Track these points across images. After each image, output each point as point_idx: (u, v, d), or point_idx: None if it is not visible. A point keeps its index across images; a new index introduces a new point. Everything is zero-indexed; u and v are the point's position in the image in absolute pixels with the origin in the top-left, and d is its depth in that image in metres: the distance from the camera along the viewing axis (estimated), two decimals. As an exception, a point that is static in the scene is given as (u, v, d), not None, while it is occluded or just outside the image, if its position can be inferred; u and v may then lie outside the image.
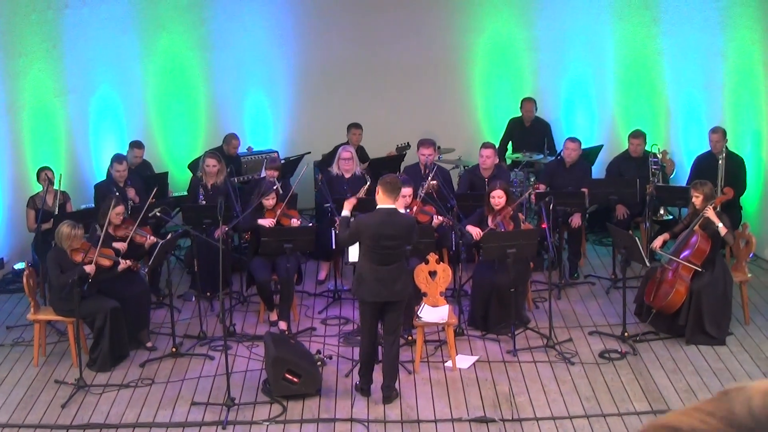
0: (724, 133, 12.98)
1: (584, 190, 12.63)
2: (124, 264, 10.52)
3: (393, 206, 9.20)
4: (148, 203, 11.42)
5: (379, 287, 9.16)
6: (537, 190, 12.41)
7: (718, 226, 10.52)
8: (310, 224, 12.37)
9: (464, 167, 14.07)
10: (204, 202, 12.36)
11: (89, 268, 10.13)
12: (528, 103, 15.05)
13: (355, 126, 14.43)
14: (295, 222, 11.60)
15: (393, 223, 9.12)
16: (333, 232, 11.77)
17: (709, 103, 14.21)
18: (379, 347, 9.74)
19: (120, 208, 10.96)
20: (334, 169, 12.79)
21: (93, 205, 12.58)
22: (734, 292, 10.95)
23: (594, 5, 15.02)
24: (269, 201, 11.51)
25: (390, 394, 9.40)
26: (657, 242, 11.01)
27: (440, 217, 11.47)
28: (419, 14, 15.64)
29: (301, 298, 12.15)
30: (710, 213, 10.57)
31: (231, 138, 14.29)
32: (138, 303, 10.82)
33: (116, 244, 10.85)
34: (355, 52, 15.80)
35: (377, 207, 9.23)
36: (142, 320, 10.91)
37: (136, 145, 13.78)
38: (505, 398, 9.50)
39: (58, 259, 10.26)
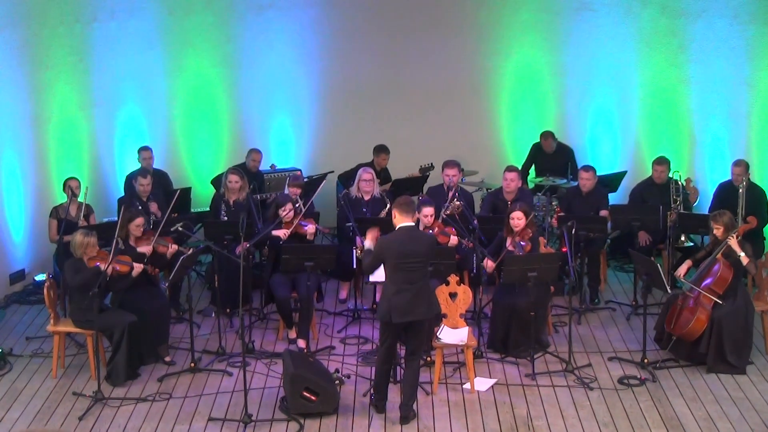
0: (747, 166, 12.91)
1: (604, 213, 12.62)
2: (138, 267, 10.55)
3: (412, 224, 9.25)
4: (168, 212, 11.52)
5: (406, 308, 9.17)
6: (559, 214, 12.42)
7: (740, 256, 10.47)
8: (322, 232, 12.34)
9: (487, 190, 14.05)
10: (226, 218, 12.39)
11: (108, 269, 10.13)
12: (547, 135, 14.99)
13: (383, 150, 14.42)
14: (310, 228, 11.58)
15: (415, 239, 9.20)
16: (354, 251, 11.78)
17: (734, 132, 14.19)
18: (399, 368, 9.74)
19: (140, 220, 11.03)
20: (354, 191, 12.79)
21: (116, 219, 12.62)
22: (756, 321, 10.89)
23: (621, 31, 15.01)
24: (287, 213, 11.51)
25: (408, 414, 9.37)
26: (681, 270, 10.96)
27: (456, 238, 11.46)
28: (446, 37, 15.63)
29: (320, 316, 12.14)
30: (733, 242, 10.52)
31: (253, 152, 14.33)
32: (158, 317, 10.84)
33: (141, 249, 10.92)
34: (381, 72, 15.81)
35: (397, 227, 9.26)
36: (162, 335, 10.92)
37: (143, 149, 13.89)
38: (522, 422, 9.46)
39: (76, 268, 10.30)
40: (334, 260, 11.25)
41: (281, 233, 11.45)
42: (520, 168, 14.09)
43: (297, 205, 11.69)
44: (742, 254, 10.48)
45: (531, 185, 14.77)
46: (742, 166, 12.93)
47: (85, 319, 10.26)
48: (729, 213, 10.87)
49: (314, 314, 11.48)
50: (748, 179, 12.87)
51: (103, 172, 14.59)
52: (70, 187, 12.45)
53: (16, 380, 10.50)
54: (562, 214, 12.45)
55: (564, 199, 13.39)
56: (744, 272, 10.79)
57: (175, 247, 11.19)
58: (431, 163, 14.45)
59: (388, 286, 9.28)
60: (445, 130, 15.78)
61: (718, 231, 10.68)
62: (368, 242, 9.61)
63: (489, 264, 11.10)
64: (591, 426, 9.36)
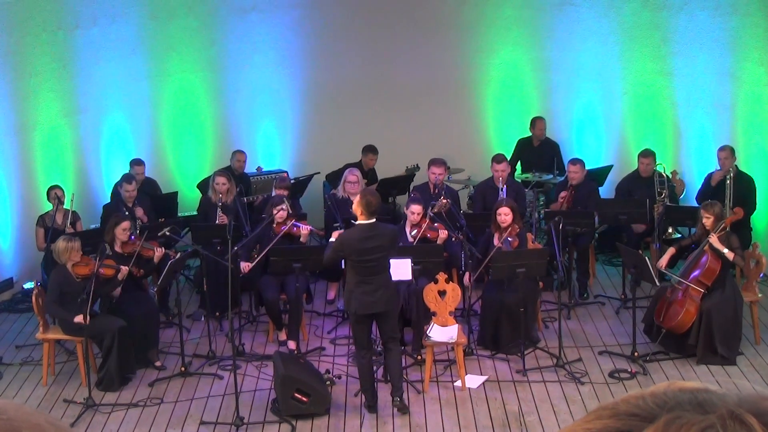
0: (732, 151, 12.95)
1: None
2: (124, 270, 10.54)
3: (372, 221, 9.27)
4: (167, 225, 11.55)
5: (366, 299, 9.23)
6: (547, 210, 12.45)
7: (723, 253, 10.48)
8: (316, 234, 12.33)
9: (473, 187, 14.04)
10: (224, 218, 12.30)
11: (78, 318, 10.09)
12: (540, 121, 15.01)
13: (371, 151, 14.40)
14: (304, 229, 11.56)
15: (375, 236, 9.21)
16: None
17: (719, 123, 14.21)
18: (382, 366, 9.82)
19: (126, 224, 11.02)
20: (340, 192, 12.79)
21: (100, 225, 12.62)
22: (744, 312, 10.91)
23: (603, 26, 15.03)
24: (281, 213, 11.51)
25: (401, 401, 9.39)
26: (663, 261, 10.98)
27: (445, 232, 11.44)
28: (429, 35, 15.64)
29: (310, 317, 12.14)
30: (714, 240, 10.52)
31: (237, 153, 14.29)
32: (147, 322, 10.84)
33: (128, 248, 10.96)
34: (365, 72, 15.81)
35: (357, 223, 9.31)
36: (151, 339, 10.91)
37: (136, 162, 13.82)
38: (514, 418, 9.47)
39: (60, 279, 10.30)
40: (322, 261, 11.24)
41: (245, 267, 11.36)
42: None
43: (284, 206, 11.68)
44: (726, 251, 10.49)
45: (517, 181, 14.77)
46: (726, 150, 12.96)
47: (74, 327, 10.24)
48: (719, 204, 10.91)
49: (303, 315, 11.49)
50: (737, 168, 12.91)
51: (90, 179, 14.55)
52: (56, 195, 12.43)
53: (7, 388, 10.49)
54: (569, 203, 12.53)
55: (555, 193, 13.39)
56: (732, 264, 10.81)
57: (162, 249, 11.19)
58: (417, 164, 14.46)
59: (350, 278, 9.38)
60: (430, 129, 15.78)
61: (707, 221, 10.68)
62: (333, 239, 9.77)
63: (466, 278, 11.14)
64: (583, 420, 9.36)
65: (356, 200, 9.38)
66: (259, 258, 11.30)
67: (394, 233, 9.50)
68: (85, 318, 9.97)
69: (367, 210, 9.22)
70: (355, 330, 9.57)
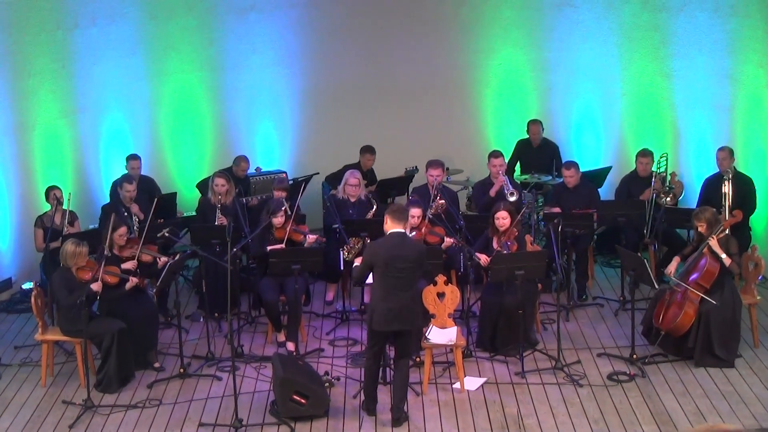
0: (730, 152, 12.97)
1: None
2: (131, 282, 10.54)
3: (403, 230, 9.26)
4: (149, 220, 11.51)
5: (391, 317, 9.20)
6: (546, 211, 12.43)
7: (721, 257, 10.49)
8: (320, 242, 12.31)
9: (472, 188, 14.02)
10: (224, 220, 12.29)
11: (96, 286, 10.15)
12: (534, 125, 15.02)
13: (369, 151, 14.40)
14: (311, 238, 11.61)
15: (405, 245, 9.23)
16: (341, 253, 11.77)
17: (718, 125, 14.21)
18: (388, 369, 9.78)
19: (123, 230, 11.00)
20: (340, 193, 12.79)
21: (98, 226, 12.60)
22: (743, 314, 10.91)
23: (603, 27, 15.02)
24: (278, 219, 11.53)
25: (399, 416, 9.38)
26: (671, 267, 10.94)
27: (450, 239, 11.48)
28: (428, 35, 15.63)
29: (309, 318, 12.13)
30: (713, 243, 10.53)
31: (240, 160, 14.29)
32: (146, 323, 10.83)
33: (125, 265, 10.89)
34: (364, 73, 15.79)
35: (388, 232, 9.28)
36: (150, 341, 10.91)
37: (132, 157, 13.82)
38: (513, 420, 9.48)
39: (65, 279, 10.28)
40: (321, 263, 11.25)
41: (278, 248, 11.45)
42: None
43: (284, 208, 11.68)
44: (724, 255, 10.50)
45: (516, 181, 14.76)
46: (725, 151, 12.98)
47: (73, 328, 10.23)
48: (711, 209, 10.91)
49: (302, 317, 11.49)
50: (735, 168, 12.92)
51: (88, 179, 14.52)
52: (54, 196, 12.41)
53: (6, 389, 10.48)
54: (557, 209, 12.48)
55: (553, 194, 13.40)
56: (731, 266, 10.82)
57: (164, 259, 11.16)
58: (416, 166, 14.47)
59: (376, 291, 9.33)
60: (429, 129, 15.78)
61: (701, 227, 10.71)
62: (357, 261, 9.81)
63: (483, 258, 11.08)
64: (581, 423, 9.39)
65: (385, 216, 9.38)
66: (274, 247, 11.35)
67: (422, 248, 9.52)
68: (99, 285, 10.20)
69: (394, 218, 9.27)
70: (371, 340, 9.52)
